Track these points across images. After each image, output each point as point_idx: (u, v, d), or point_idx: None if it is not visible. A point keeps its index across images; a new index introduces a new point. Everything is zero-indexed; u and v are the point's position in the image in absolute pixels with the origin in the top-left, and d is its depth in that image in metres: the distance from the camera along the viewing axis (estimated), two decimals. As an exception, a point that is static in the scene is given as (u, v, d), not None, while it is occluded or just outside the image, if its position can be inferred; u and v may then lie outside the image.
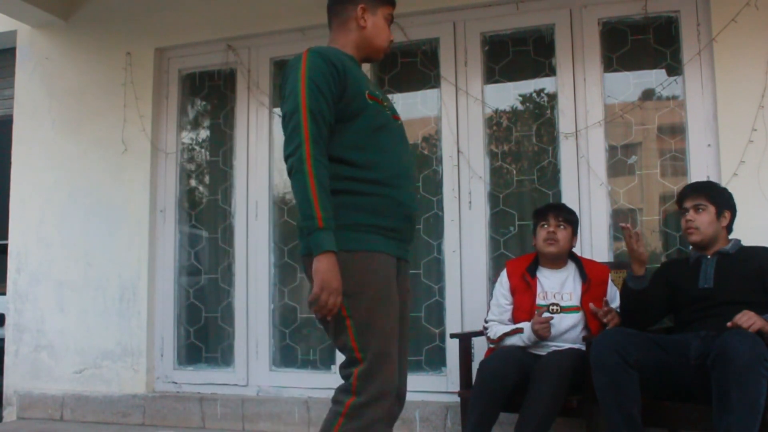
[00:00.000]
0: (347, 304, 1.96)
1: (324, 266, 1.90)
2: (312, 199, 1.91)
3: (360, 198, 2.01)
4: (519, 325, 3.13)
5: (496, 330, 3.20)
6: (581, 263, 3.25)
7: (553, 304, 3.13)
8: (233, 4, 4.42)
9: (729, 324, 2.63)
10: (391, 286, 2.03)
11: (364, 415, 1.95)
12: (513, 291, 3.24)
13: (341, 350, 2.03)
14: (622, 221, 2.86)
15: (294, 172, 1.95)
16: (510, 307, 3.23)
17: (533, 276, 3.21)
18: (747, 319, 2.61)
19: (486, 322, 3.30)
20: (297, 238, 2.12)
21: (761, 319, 2.62)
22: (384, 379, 1.98)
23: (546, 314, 3.09)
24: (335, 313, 1.95)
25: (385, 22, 2.23)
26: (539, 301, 3.17)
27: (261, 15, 4.35)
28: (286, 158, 1.98)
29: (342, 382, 2.00)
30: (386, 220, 2.04)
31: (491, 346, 3.23)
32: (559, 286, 3.18)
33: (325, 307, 1.92)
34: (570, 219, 3.24)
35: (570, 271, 3.23)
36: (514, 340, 3.13)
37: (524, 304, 3.18)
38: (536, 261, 3.27)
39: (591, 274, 3.19)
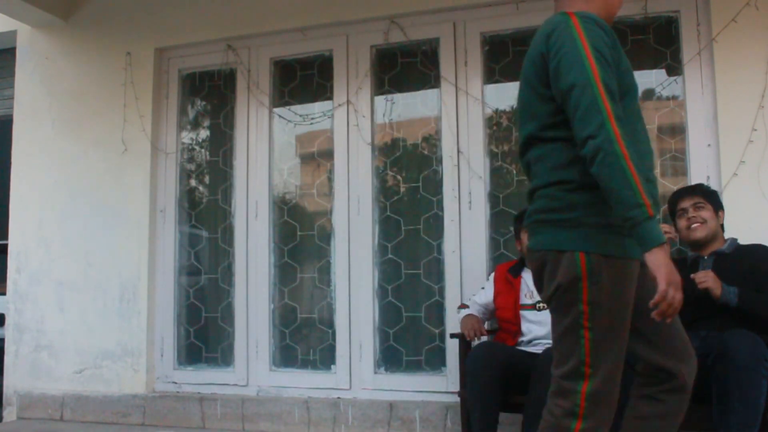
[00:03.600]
0: (591, 313, 1.75)
1: (664, 259, 1.66)
2: (635, 184, 1.66)
3: None
4: (466, 311, 3.38)
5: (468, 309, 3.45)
6: None
7: (539, 302, 3.23)
8: (233, 4, 4.42)
9: (692, 276, 2.77)
10: (632, 302, 1.82)
11: None
12: (496, 295, 3.39)
13: (561, 358, 1.82)
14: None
15: (603, 155, 1.67)
16: (485, 299, 3.43)
17: (515, 276, 3.34)
18: (702, 275, 2.76)
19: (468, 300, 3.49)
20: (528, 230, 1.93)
21: (715, 282, 2.73)
22: (611, 406, 1.80)
23: (533, 311, 3.24)
24: (578, 321, 1.76)
25: None
26: (524, 300, 3.30)
27: (261, 15, 4.35)
28: (585, 139, 1.70)
29: (560, 399, 1.80)
30: None
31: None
32: None
33: (672, 305, 1.67)
34: None
35: None
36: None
37: (508, 303, 3.34)
38: (522, 263, 3.40)
39: None
